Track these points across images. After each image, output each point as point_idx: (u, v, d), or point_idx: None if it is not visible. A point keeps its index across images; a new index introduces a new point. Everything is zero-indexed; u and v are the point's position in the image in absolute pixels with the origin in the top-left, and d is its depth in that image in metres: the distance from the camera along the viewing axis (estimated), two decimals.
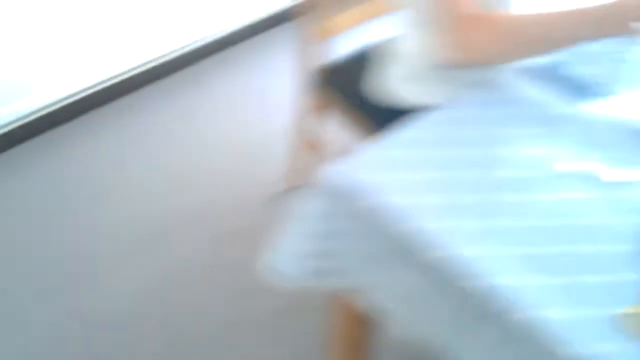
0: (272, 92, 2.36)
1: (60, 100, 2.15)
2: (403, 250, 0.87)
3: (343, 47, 1.63)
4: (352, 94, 1.50)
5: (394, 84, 1.35)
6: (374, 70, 1.44)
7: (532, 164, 0.94)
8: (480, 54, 1.01)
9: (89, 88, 2.21)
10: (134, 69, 2.30)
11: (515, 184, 0.91)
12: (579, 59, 1.08)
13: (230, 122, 2.24)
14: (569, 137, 0.92)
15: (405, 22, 1.27)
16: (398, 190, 0.90)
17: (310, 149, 1.78)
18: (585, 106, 0.98)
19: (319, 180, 0.95)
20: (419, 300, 0.88)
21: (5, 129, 2.05)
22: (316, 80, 1.61)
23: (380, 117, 1.37)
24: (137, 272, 1.73)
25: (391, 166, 0.94)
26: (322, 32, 1.55)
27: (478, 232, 0.84)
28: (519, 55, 1.02)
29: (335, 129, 1.79)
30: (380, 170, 0.93)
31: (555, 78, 1.06)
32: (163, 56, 2.36)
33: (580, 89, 1.02)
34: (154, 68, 2.35)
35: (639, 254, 0.80)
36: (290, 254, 1.02)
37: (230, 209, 1.92)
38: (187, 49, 2.41)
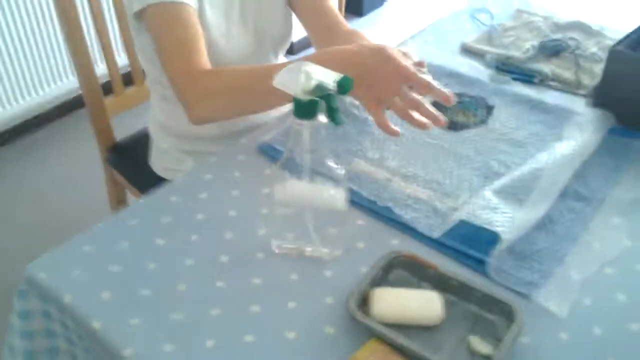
0: (80, 176, 2.23)
1: None
2: (100, 350, 0.78)
3: (132, 124, 1.56)
4: (139, 171, 1.42)
5: (157, 158, 1.30)
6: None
7: (252, 246, 0.88)
8: (207, 107, 0.99)
9: None
10: None
11: (232, 269, 0.85)
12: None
13: (42, 210, 2.08)
14: (281, 215, 0.87)
15: (154, 97, 1.23)
16: (93, 285, 0.82)
17: None
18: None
19: (24, 277, 0.85)
20: None
21: None
22: (111, 158, 1.52)
23: None
24: None
25: (92, 259, 0.86)
26: (110, 112, 1.49)
27: (180, 327, 0.77)
28: (232, 106, 1.01)
29: None
30: (80, 264, 0.85)
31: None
32: None
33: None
34: None
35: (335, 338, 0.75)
36: (10, 353, 0.90)
37: None
38: None
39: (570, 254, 0.86)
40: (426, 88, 0.90)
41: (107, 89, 1.48)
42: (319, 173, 0.81)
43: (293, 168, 0.81)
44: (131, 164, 1.48)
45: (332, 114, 0.74)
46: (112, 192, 1.60)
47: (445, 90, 0.91)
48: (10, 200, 2.14)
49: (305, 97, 0.73)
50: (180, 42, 0.98)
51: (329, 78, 0.72)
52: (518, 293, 0.80)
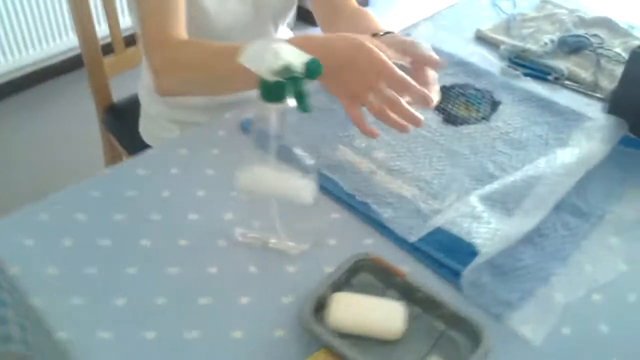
0: (77, 135, 2.17)
1: None
2: (40, 324, 0.73)
3: (133, 85, 1.49)
4: (132, 135, 1.36)
5: (145, 125, 1.23)
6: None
7: (215, 231, 0.81)
8: (171, 80, 0.92)
9: None
10: None
11: (189, 254, 0.78)
12: None
13: (36, 168, 2.03)
14: (248, 201, 0.79)
15: (144, 60, 1.16)
16: (41, 258, 0.76)
17: None
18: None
19: None
20: None
21: None
22: (106, 120, 1.46)
23: None
24: None
25: (45, 229, 0.80)
26: (109, 72, 1.42)
27: (121, 314, 0.71)
28: (196, 82, 0.94)
29: None
30: (33, 233, 0.79)
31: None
32: None
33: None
34: None
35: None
36: None
37: None
38: None
39: (557, 274, 0.77)
40: (402, 86, 0.80)
41: (109, 50, 1.42)
42: (289, 160, 0.73)
43: (261, 153, 0.73)
44: (125, 127, 1.42)
45: (299, 99, 0.66)
46: (107, 153, 1.55)
47: (425, 90, 0.81)
48: (1, 157, 2.09)
49: (272, 78, 0.65)
50: (159, 7, 0.90)
51: (298, 59, 0.64)
52: (491, 312, 0.72)
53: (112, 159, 1.54)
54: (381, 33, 0.94)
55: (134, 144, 1.32)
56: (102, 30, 1.38)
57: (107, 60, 1.41)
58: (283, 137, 0.71)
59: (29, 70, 2.33)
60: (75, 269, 0.75)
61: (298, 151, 0.72)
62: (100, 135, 1.52)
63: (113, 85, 1.45)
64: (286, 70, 0.64)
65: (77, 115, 2.24)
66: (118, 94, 1.48)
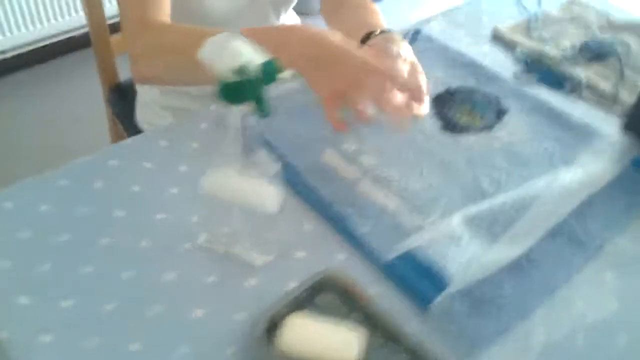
0: (84, 114, 2.14)
1: None
2: None
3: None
4: (132, 115, 1.32)
5: (140, 110, 1.19)
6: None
7: (180, 234, 0.76)
8: (146, 65, 0.87)
9: None
10: None
11: (148, 257, 0.73)
12: None
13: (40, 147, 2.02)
14: (216, 205, 0.74)
15: None
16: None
17: None
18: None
19: None
20: None
21: None
22: (112, 99, 1.43)
23: None
24: None
25: (5, 219, 0.76)
26: (117, 50, 1.38)
27: (67, 317, 0.67)
28: (171, 69, 0.87)
29: None
30: None
31: None
32: None
33: None
34: None
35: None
36: None
37: None
38: None
39: (541, 308, 0.70)
40: (392, 80, 0.74)
41: (117, 29, 1.37)
42: (255, 165, 0.68)
43: (233, 154, 0.68)
44: (128, 108, 1.38)
45: (258, 102, 0.60)
46: (113, 134, 1.52)
47: (419, 83, 0.75)
48: (4, 133, 2.08)
49: (230, 78, 0.59)
50: None
51: (258, 59, 0.58)
52: (461, 346, 0.66)
53: (119, 139, 1.51)
54: (377, 31, 0.87)
55: (136, 126, 1.28)
56: (110, 8, 1.34)
57: (114, 38, 1.37)
58: (247, 140, 0.66)
59: (37, 45, 2.30)
60: (28, 264, 0.72)
61: (262, 157, 0.67)
62: (106, 115, 1.48)
63: (120, 64, 1.41)
64: (243, 70, 0.58)
65: (84, 95, 2.21)
66: (125, 74, 1.44)
